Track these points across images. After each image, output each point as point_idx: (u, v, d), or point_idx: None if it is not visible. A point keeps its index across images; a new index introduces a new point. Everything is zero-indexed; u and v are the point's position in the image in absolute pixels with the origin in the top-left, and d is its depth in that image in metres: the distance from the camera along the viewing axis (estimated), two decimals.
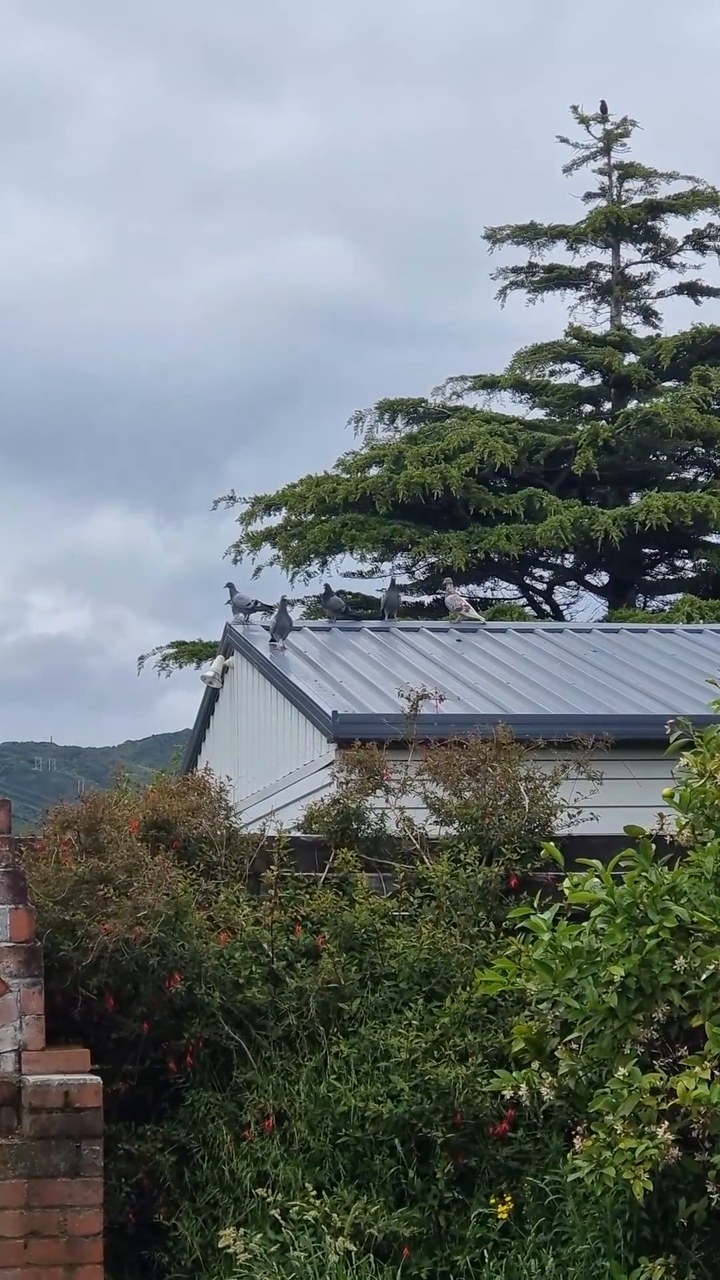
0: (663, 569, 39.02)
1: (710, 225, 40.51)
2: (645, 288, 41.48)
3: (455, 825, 13.02)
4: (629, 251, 41.19)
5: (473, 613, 24.67)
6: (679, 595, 36.02)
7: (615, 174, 40.97)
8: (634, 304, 41.43)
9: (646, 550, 37.89)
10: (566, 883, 10.56)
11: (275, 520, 38.06)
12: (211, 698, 24.67)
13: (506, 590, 39.00)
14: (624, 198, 40.83)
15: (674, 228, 40.71)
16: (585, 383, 40.11)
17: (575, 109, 40.87)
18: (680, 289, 41.17)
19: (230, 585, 23.79)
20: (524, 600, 38.77)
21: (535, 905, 10.77)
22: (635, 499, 36.78)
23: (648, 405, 36.89)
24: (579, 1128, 10.20)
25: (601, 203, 40.77)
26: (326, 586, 27.39)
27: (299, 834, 13.10)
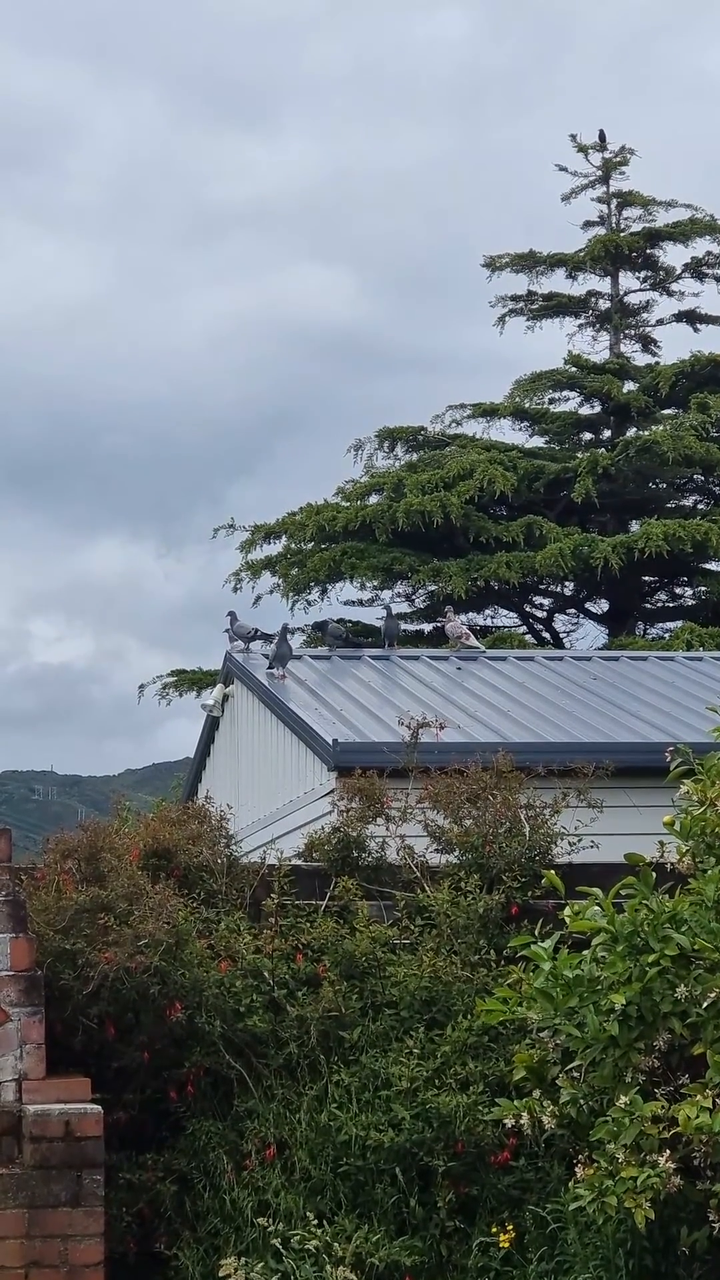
0: (662, 597, 39.03)
1: (709, 253, 40.59)
2: (644, 315, 41.54)
3: (456, 853, 13.03)
4: (628, 279, 41.28)
5: (473, 641, 24.65)
6: (679, 623, 36.02)
7: (614, 202, 41.03)
8: (633, 332, 41.47)
9: (646, 578, 37.90)
10: (567, 911, 10.56)
11: (275, 548, 38.12)
12: (212, 726, 24.66)
13: (506, 618, 39.01)
14: (623, 226, 40.90)
15: (673, 255, 40.82)
16: (584, 410, 40.15)
17: (574, 138, 40.99)
18: (679, 317, 41.21)
19: (231, 614, 23.78)
20: (524, 628, 38.75)
21: (536, 933, 10.78)
22: (635, 527, 36.79)
23: (647, 433, 36.93)
24: (580, 1156, 10.19)
25: (600, 231, 40.84)
26: (320, 622, 27.41)
27: (299, 862, 13.10)
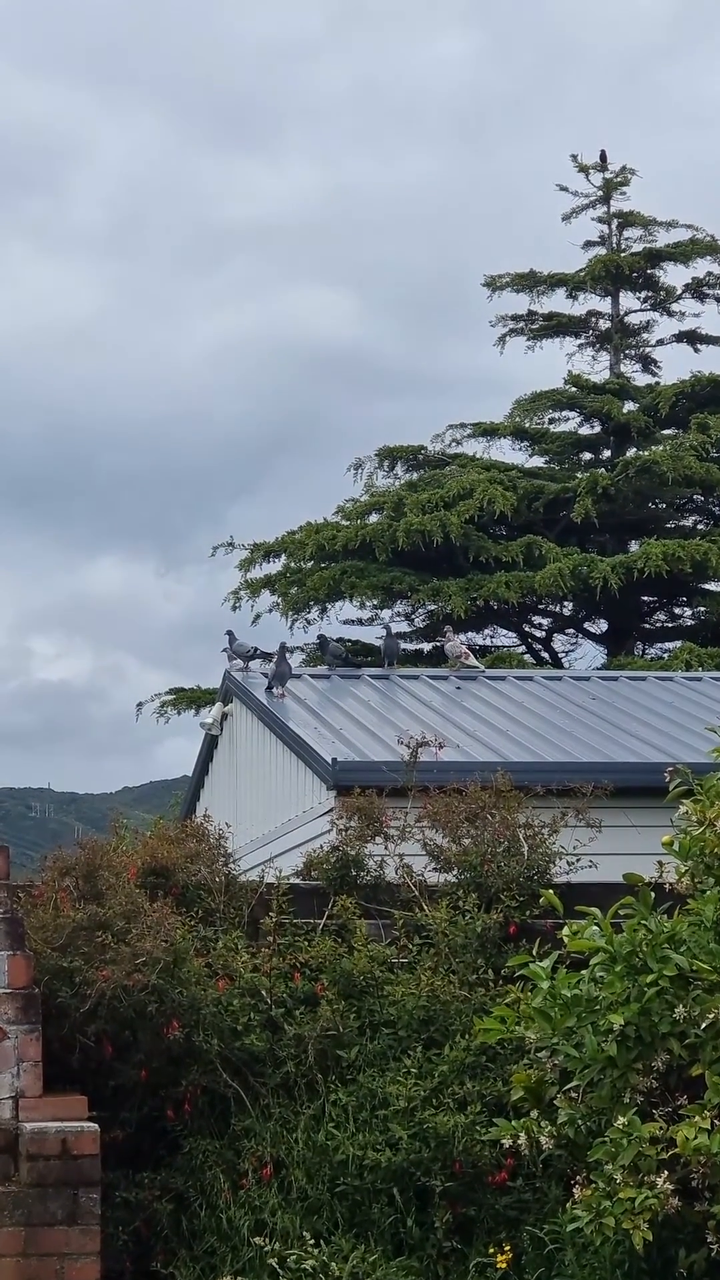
0: (661, 617, 39.04)
1: (709, 273, 40.66)
2: (644, 335, 41.59)
3: (454, 872, 13.01)
4: (628, 299, 41.35)
5: (472, 660, 24.66)
6: (678, 643, 36.02)
7: (615, 222, 41.09)
8: (633, 352, 41.52)
9: (645, 598, 37.92)
10: (565, 930, 10.54)
11: (275, 567, 38.12)
12: (210, 744, 24.65)
13: (506, 638, 39.03)
14: (623, 246, 40.96)
15: (673, 276, 40.89)
16: (584, 430, 40.19)
17: (575, 158, 41.03)
18: (679, 337, 41.27)
19: (230, 632, 23.80)
20: (523, 648, 38.77)
21: (534, 953, 10.75)
22: (634, 547, 36.81)
23: (647, 453, 36.95)
24: (578, 1177, 10.16)
25: (601, 251, 40.89)
26: (321, 636, 27.40)
27: (298, 881, 13.08)
